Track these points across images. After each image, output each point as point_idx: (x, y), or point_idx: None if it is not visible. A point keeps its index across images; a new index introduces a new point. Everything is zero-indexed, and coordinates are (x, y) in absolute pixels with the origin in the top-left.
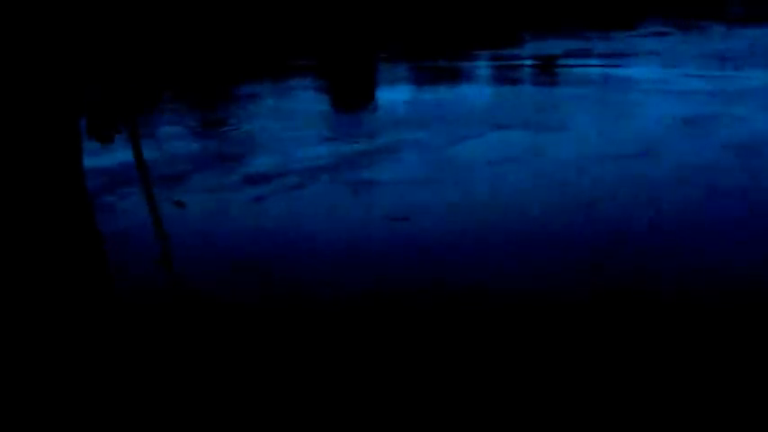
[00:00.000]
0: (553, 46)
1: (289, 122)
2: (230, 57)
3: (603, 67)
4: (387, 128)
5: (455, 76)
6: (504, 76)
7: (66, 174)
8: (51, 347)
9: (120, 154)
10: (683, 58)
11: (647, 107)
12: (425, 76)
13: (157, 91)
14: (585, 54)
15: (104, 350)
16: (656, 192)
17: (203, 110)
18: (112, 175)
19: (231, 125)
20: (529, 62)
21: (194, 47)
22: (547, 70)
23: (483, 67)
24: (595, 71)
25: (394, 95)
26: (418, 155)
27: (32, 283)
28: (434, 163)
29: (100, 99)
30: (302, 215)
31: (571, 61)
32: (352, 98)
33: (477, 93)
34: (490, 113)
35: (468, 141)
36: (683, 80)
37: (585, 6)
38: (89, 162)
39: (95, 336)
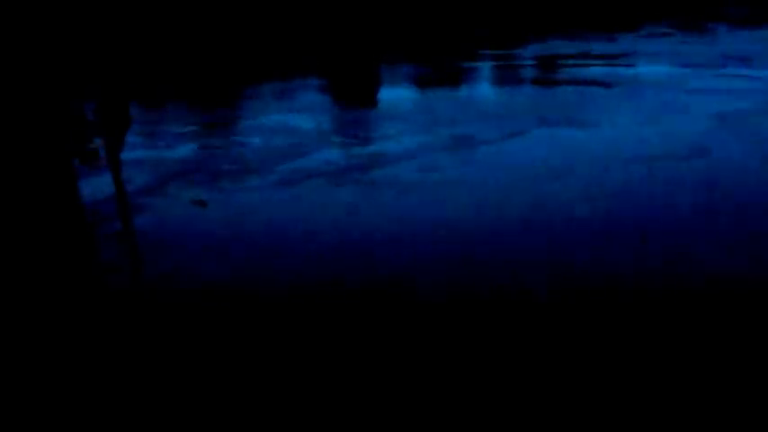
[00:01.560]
0: (562, 47)
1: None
2: (244, 59)
3: (619, 66)
4: (439, 124)
5: (479, 77)
6: (524, 75)
7: (58, 176)
8: (43, 339)
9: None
10: (694, 58)
11: (678, 103)
12: (449, 76)
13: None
14: (597, 55)
15: (95, 341)
16: (720, 187)
17: (222, 109)
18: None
19: (261, 124)
20: (546, 63)
21: (204, 50)
22: (565, 70)
23: (501, 68)
24: (611, 70)
25: (426, 95)
26: (477, 149)
27: (24, 279)
28: (495, 157)
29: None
30: (369, 206)
31: (586, 61)
32: (369, 98)
33: (505, 92)
34: (527, 111)
35: (517, 138)
36: (702, 79)
37: (585, 8)
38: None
39: (85, 327)
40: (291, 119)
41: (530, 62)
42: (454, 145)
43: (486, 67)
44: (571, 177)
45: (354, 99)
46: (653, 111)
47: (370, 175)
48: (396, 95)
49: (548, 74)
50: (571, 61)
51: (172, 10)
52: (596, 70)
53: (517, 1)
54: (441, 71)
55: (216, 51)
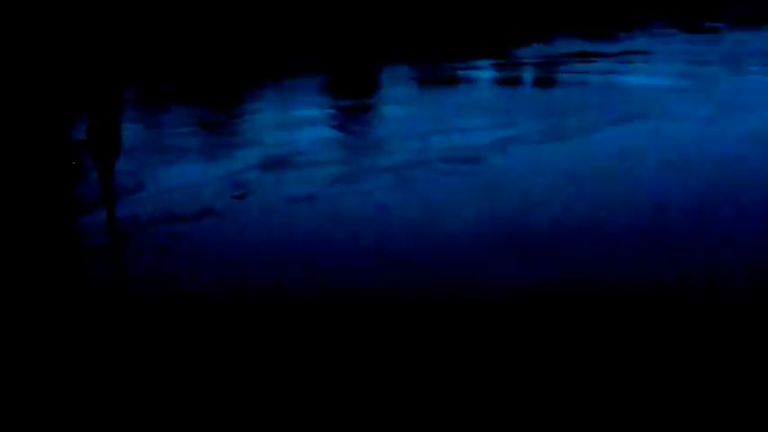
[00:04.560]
0: (567, 46)
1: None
2: (246, 59)
3: (643, 64)
4: (499, 122)
5: (503, 78)
6: (548, 76)
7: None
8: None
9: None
10: (709, 56)
11: (735, 98)
12: (468, 77)
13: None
14: (610, 54)
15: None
16: None
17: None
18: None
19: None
20: (563, 62)
21: (204, 50)
22: (586, 69)
23: (525, 69)
24: (637, 68)
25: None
26: (564, 144)
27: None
28: (584, 152)
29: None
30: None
31: (603, 60)
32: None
33: (543, 92)
34: (590, 107)
35: (597, 133)
36: (737, 76)
37: (575, 9)
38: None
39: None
40: (313, 116)
41: (544, 62)
42: (529, 141)
43: (520, 71)
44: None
45: (373, 100)
46: (720, 106)
47: (449, 169)
48: (410, 95)
49: (572, 73)
50: (579, 60)
51: (171, 11)
52: (619, 68)
53: (513, 3)
54: (454, 72)
55: (216, 52)
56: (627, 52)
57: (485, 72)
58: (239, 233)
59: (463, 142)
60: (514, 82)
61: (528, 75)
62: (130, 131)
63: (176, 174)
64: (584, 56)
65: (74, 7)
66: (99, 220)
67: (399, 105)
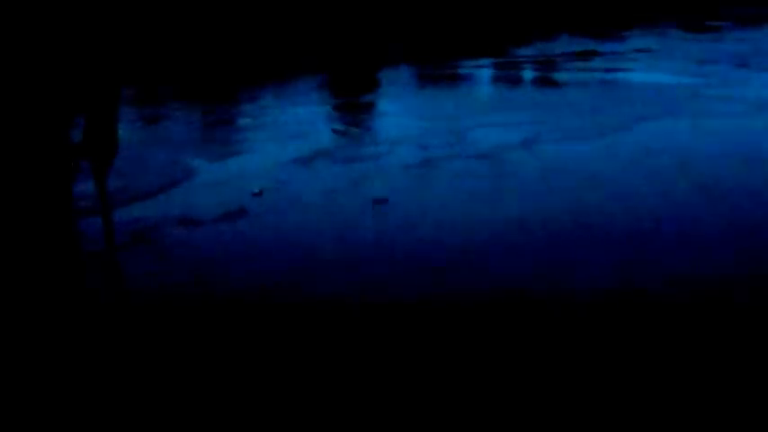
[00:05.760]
0: (570, 45)
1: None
2: (248, 59)
3: (660, 62)
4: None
5: (518, 78)
6: (560, 75)
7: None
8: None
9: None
10: (722, 55)
11: (755, 92)
12: (479, 77)
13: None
14: (620, 53)
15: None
16: None
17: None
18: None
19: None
20: (573, 60)
21: (203, 49)
22: (599, 68)
23: (537, 68)
24: (655, 64)
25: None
26: (596, 142)
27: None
28: (622, 151)
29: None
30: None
31: (617, 59)
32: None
33: (567, 89)
34: (610, 105)
35: (626, 132)
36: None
37: (579, 8)
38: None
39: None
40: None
41: (549, 60)
42: (555, 139)
43: (526, 68)
44: None
45: (378, 99)
46: (750, 103)
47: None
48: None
49: (581, 71)
50: (586, 58)
51: (170, 10)
52: (628, 66)
53: (512, 3)
54: (461, 71)
55: (216, 51)
56: (633, 50)
57: (491, 71)
58: (264, 232)
59: (487, 140)
60: (522, 81)
61: (535, 74)
62: (128, 130)
63: (181, 174)
64: (590, 54)
65: (73, 6)
66: (98, 222)
67: (406, 105)
